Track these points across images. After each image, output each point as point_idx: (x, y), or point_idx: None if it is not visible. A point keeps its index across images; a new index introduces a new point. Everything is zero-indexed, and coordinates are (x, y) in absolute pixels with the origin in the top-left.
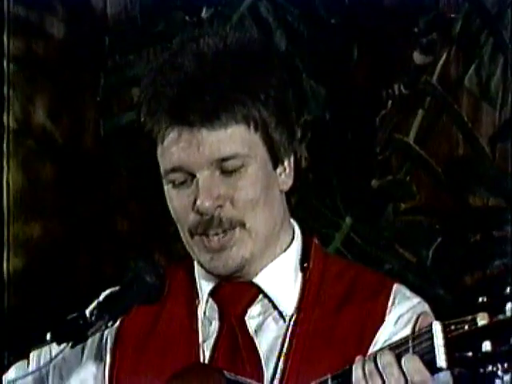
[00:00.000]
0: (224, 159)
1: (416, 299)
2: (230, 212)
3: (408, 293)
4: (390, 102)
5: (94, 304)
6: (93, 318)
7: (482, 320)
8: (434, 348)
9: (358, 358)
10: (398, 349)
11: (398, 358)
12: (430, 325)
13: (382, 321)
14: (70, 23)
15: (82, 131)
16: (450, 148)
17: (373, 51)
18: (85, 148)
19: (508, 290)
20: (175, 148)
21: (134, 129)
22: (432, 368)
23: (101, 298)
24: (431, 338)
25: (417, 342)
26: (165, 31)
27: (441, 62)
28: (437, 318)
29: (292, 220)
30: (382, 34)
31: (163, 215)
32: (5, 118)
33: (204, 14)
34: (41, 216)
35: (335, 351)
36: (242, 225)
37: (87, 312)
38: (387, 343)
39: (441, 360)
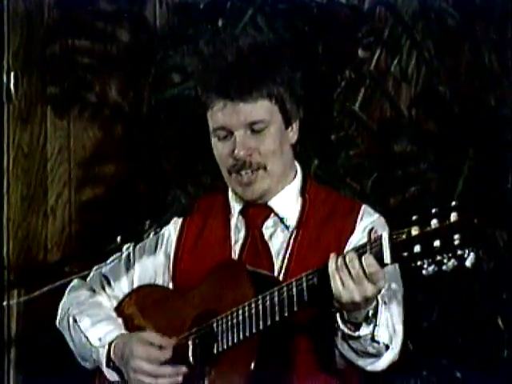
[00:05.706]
0: (253, 123)
1: (376, 215)
2: (257, 158)
3: (372, 211)
4: (343, 82)
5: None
6: (147, 226)
7: (414, 231)
8: (382, 249)
9: (332, 256)
10: (359, 250)
11: (359, 257)
12: (381, 234)
13: (353, 230)
14: (132, 31)
15: (140, 102)
16: (382, 113)
17: (332, 48)
18: (142, 113)
19: (433, 210)
20: (220, 113)
21: (175, 100)
22: (381, 263)
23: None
24: (381, 243)
25: (372, 246)
26: (193, 34)
27: (376, 56)
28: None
29: (296, 162)
30: (338, 37)
31: (194, 160)
32: (89, 96)
33: (219, 23)
34: (113, 160)
35: (322, 252)
36: (264, 168)
37: (146, 222)
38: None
39: (387, 258)
